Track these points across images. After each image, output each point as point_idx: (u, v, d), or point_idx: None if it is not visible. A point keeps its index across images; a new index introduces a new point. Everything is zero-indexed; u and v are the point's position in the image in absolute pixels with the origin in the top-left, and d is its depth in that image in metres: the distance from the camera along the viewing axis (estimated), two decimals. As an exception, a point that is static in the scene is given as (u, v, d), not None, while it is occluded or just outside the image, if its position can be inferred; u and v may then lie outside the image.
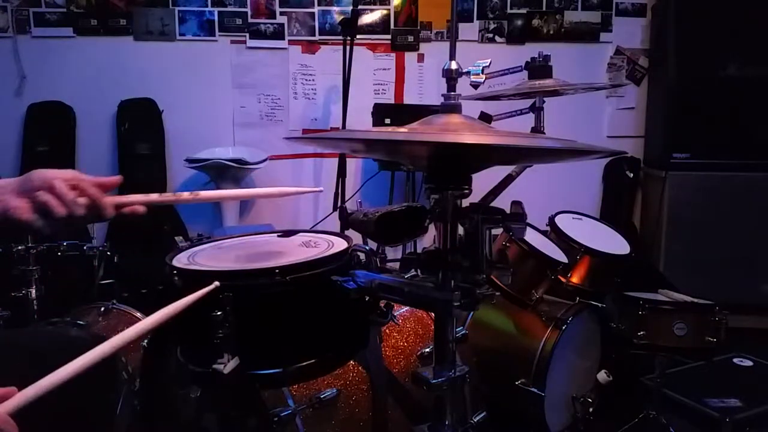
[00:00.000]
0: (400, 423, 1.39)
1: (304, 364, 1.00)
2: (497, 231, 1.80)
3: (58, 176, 0.92)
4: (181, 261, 1.08)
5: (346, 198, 3.15)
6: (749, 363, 2.39)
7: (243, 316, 0.94)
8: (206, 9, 3.41)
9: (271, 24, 3.45)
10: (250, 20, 3.44)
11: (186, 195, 1.04)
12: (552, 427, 1.93)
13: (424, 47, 3.52)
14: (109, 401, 1.37)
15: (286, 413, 1.22)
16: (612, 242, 2.20)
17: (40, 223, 0.90)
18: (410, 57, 3.53)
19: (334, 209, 3.17)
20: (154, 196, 1.02)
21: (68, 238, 1.99)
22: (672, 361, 2.07)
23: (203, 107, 3.48)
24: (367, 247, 1.11)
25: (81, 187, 0.93)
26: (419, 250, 0.97)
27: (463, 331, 1.69)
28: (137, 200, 1.00)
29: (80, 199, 0.93)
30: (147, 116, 3.39)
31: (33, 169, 0.93)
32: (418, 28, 3.51)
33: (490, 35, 3.52)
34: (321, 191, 1.18)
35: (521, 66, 1.92)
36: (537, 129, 1.88)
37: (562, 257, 2.00)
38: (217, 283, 0.92)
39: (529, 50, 2.65)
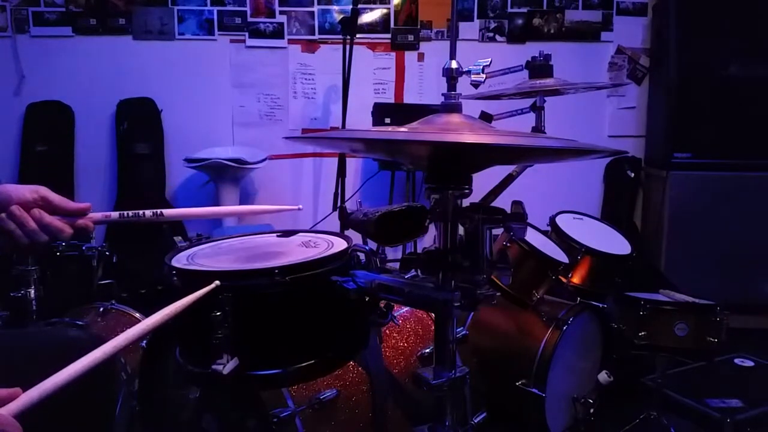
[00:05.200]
0: (400, 423, 1.38)
1: (304, 364, 0.99)
2: (498, 231, 1.80)
3: (21, 199, 0.92)
4: (180, 261, 1.07)
5: (346, 198, 3.14)
6: (750, 363, 2.38)
7: (242, 317, 0.94)
8: (205, 8, 3.41)
9: (271, 23, 3.44)
10: (249, 19, 3.43)
11: (148, 213, 1.02)
12: (553, 428, 1.93)
13: (424, 46, 3.52)
14: (108, 402, 1.36)
15: (285, 414, 1.21)
16: (613, 242, 2.20)
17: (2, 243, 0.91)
18: (410, 56, 3.53)
19: (334, 209, 3.16)
20: (114, 215, 1.01)
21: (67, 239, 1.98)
22: (673, 361, 2.06)
23: (202, 107, 3.48)
24: (367, 247, 1.10)
25: (43, 220, 0.93)
26: (419, 250, 0.97)
27: (464, 332, 1.68)
28: (96, 219, 0.99)
29: (42, 225, 0.92)
30: (146, 116, 3.39)
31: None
32: (419, 27, 3.50)
33: (491, 34, 3.52)
34: (300, 209, 1.17)
35: (522, 65, 1.91)
36: (538, 128, 1.87)
37: (562, 257, 2.00)
38: (217, 282, 0.91)
39: (530, 49, 2.65)
